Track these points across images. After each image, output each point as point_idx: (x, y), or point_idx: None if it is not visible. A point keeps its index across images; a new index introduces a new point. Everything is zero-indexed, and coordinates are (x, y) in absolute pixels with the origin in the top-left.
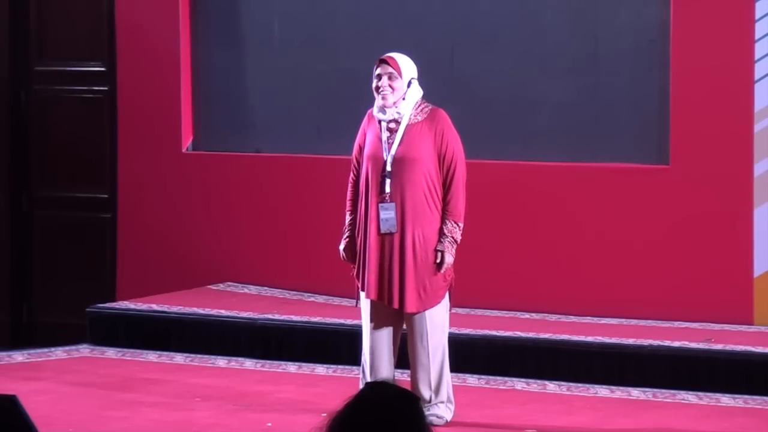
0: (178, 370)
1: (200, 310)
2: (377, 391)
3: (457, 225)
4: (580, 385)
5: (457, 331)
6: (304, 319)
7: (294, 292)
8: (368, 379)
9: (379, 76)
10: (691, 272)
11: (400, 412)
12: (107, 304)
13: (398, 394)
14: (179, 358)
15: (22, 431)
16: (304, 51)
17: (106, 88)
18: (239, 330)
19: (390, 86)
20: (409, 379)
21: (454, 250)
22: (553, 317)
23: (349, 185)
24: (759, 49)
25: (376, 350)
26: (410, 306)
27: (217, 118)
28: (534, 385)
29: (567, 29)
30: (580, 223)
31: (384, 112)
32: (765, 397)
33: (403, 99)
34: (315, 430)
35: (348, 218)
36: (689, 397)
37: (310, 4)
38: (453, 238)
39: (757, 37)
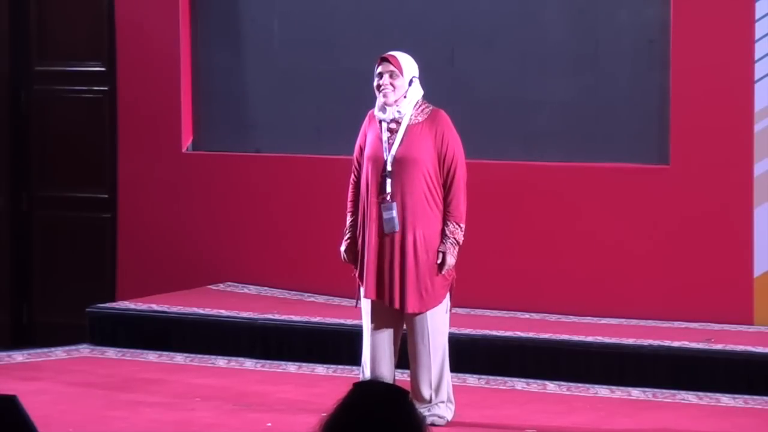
0: (178, 370)
1: (200, 310)
2: (365, 389)
3: (459, 226)
4: (580, 385)
5: (457, 331)
6: (304, 319)
7: (294, 292)
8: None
9: (381, 74)
10: (691, 272)
11: (390, 408)
12: (107, 304)
13: (386, 389)
14: (179, 358)
15: (22, 431)
16: (304, 51)
17: (106, 88)
18: (239, 330)
19: (391, 84)
20: (409, 379)
21: (456, 251)
22: (553, 317)
23: (350, 186)
24: (759, 49)
25: (377, 351)
26: (411, 306)
27: (217, 118)
28: (534, 385)
29: (567, 29)
30: (580, 223)
31: (384, 111)
32: (765, 397)
33: (405, 97)
34: (314, 430)
35: (349, 219)
36: (689, 397)
37: (310, 4)
38: (455, 239)
39: (757, 37)
